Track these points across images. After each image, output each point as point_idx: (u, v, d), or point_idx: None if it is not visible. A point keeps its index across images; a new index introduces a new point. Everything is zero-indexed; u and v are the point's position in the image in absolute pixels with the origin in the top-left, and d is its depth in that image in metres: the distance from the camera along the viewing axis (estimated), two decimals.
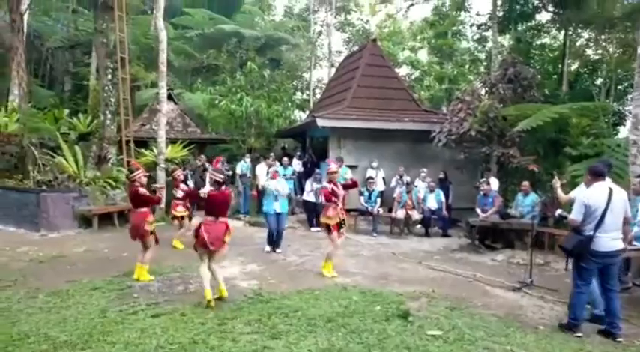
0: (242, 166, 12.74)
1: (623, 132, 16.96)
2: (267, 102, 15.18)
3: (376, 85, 13.47)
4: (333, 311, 4.91)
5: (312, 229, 10.50)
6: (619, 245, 4.54)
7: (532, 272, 6.45)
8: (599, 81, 20.82)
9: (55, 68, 21.99)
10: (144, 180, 6.25)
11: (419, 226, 10.90)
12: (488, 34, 21.75)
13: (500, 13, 17.86)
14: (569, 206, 5.07)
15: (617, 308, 4.56)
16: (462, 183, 11.81)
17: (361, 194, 10.79)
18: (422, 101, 20.37)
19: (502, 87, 11.27)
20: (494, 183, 10.23)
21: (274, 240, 8.17)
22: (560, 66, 20.22)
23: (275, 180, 8.19)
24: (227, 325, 4.45)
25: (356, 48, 22.54)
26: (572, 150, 10.63)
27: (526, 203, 9.04)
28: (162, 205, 9.29)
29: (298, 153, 14.65)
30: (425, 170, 11.52)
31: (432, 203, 10.77)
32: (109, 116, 11.92)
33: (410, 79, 27.99)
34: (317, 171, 11.36)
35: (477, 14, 24.59)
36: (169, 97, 14.62)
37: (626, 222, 4.69)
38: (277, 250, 8.10)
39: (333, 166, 6.89)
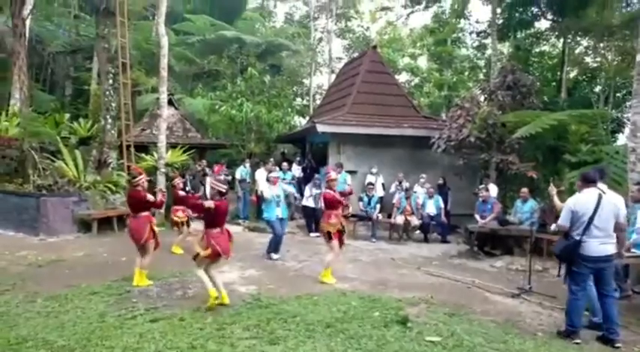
0: (242, 171, 12.75)
1: (622, 139, 17.02)
2: (268, 108, 15.23)
3: (376, 92, 13.52)
4: (331, 316, 4.90)
5: (312, 234, 10.50)
6: (610, 249, 4.56)
7: (531, 278, 6.46)
8: (597, 88, 20.92)
9: (56, 73, 22.05)
10: (146, 185, 6.28)
11: (418, 232, 10.90)
12: (488, 41, 21.90)
13: (500, 21, 17.96)
14: None
15: (615, 314, 4.57)
16: (461, 189, 11.83)
17: (360, 199, 10.81)
18: (421, 107, 20.45)
19: (501, 94, 11.31)
20: (493, 190, 10.26)
21: (276, 245, 8.15)
22: (559, 73, 20.33)
23: (275, 185, 8.20)
24: (226, 330, 4.44)
25: (356, 54, 22.66)
26: (571, 157, 10.67)
27: (525, 209, 9.06)
28: (162, 210, 9.29)
29: (298, 158, 14.68)
30: (424, 176, 11.55)
31: (430, 209, 10.79)
32: (110, 121, 11.94)
33: (409, 85, 28.13)
34: (316, 176, 11.39)
35: (477, 22, 24.79)
36: (170, 102, 14.65)
37: (620, 229, 4.70)
38: (275, 256, 8.06)
39: (333, 174, 6.92)
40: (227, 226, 5.43)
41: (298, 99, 27.68)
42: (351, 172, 11.74)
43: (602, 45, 19.04)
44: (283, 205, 8.23)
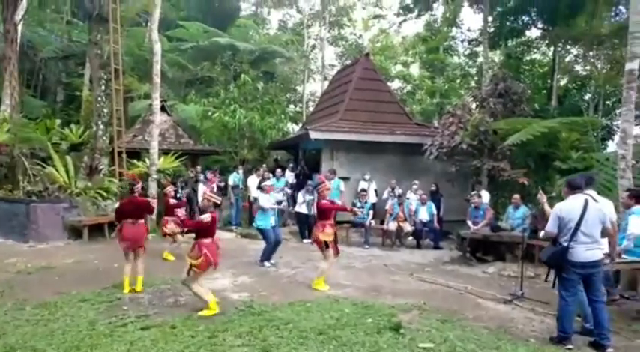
0: (234, 178, 12.71)
1: (612, 146, 17.20)
2: (261, 115, 15.24)
3: (369, 99, 13.58)
4: (324, 323, 4.88)
5: (305, 241, 10.47)
6: (598, 255, 4.60)
7: (523, 284, 6.48)
8: (587, 96, 21.14)
9: (48, 78, 21.93)
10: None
11: (410, 238, 10.91)
12: (479, 49, 22.12)
13: (491, 29, 18.15)
14: None
15: (605, 319, 4.59)
16: (453, 195, 11.88)
17: (354, 205, 10.80)
18: (414, 115, 20.58)
19: (493, 101, 11.41)
20: (485, 196, 10.31)
21: (270, 253, 8.11)
22: (549, 81, 20.56)
23: (268, 194, 8.20)
24: (218, 337, 4.41)
25: (349, 62, 22.77)
26: (561, 164, 10.78)
27: (517, 216, 9.11)
28: (154, 216, 9.23)
29: (291, 165, 14.68)
30: (417, 182, 11.59)
31: (423, 215, 10.81)
32: (102, 127, 11.89)
33: (402, 92, 28.30)
34: (309, 183, 11.38)
35: (468, 30, 25.06)
36: (162, 109, 14.60)
37: (608, 234, 4.75)
38: (267, 264, 8.01)
39: (328, 183, 6.99)
40: (219, 233, 5.44)
41: (291, 106, 27.75)
42: (344, 179, 11.75)
43: (591, 53, 19.28)
44: (275, 213, 8.24)
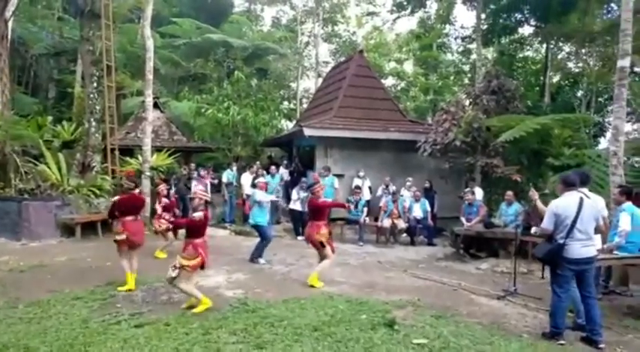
0: (228, 175, 12.68)
1: (604, 143, 17.36)
2: (254, 111, 15.19)
3: (362, 96, 13.59)
4: (319, 320, 4.88)
5: (299, 238, 10.46)
6: (592, 252, 4.64)
7: (516, 280, 6.52)
8: (580, 93, 21.30)
9: (39, 75, 21.72)
10: None
11: (404, 235, 10.96)
12: (473, 46, 22.22)
13: (484, 27, 18.25)
14: None
15: (597, 315, 4.63)
16: (447, 192, 11.93)
17: (348, 202, 10.81)
18: (407, 112, 20.62)
19: (486, 98, 11.46)
20: (478, 193, 10.36)
21: (262, 250, 8.10)
22: (542, 78, 20.71)
23: (263, 191, 8.19)
24: (212, 335, 4.40)
25: (343, 59, 22.75)
26: (554, 161, 10.84)
27: (510, 212, 9.16)
28: (147, 213, 9.20)
29: (285, 162, 14.67)
30: (410, 179, 11.63)
31: (417, 212, 10.85)
32: (94, 124, 11.79)
33: (396, 89, 28.38)
34: (303, 179, 11.38)
35: (462, 27, 25.18)
36: (155, 105, 14.53)
37: (600, 230, 4.79)
38: (261, 260, 7.98)
39: (322, 182, 7.02)
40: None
41: (285, 103, 27.70)
42: (338, 175, 11.76)
43: (583, 51, 19.42)
44: (270, 210, 8.29)
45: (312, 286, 6.42)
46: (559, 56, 21.66)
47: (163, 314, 4.99)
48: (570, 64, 22.04)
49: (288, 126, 22.11)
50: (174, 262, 5.14)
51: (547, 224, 4.70)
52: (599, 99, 20.88)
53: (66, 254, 8.14)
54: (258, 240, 8.18)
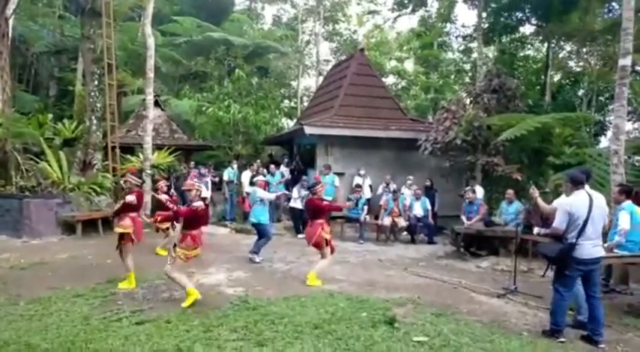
0: (229, 173, 12.69)
1: (604, 142, 17.35)
2: (255, 110, 15.19)
3: (363, 94, 13.57)
4: (319, 317, 4.90)
5: (299, 236, 10.47)
6: (600, 252, 4.62)
7: (516, 278, 6.52)
8: (581, 92, 21.27)
9: (40, 73, 21.75)
10: None
11: (405, 233, 10.97)
12: (474, 45, 22.21)
13: (485, 25, 18.22)
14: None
15: (601, 315, 4.62)
16: (448, 190, 11.92)
17: (348, 200, 10.80)
18: (408, 110, 20.59)
19: (487, 97, 11.45)
20: (479, 191, 10.36)
21: (261, 247, 8.10)
22: (543, 77, 20.68)
23: (265, 188, 8.23)
24: (213, 332, 4.41)
25: (344, 57, 22.74)
26: (555, 160, 10.84)
27: (510, 211, 9.17)
28: (148, 211, 9.20)
29: (286, 160, 14.68)
30: (411, 178, 11.63)
31: (417, 210, 10.85)
32: (95, 122, 11.80)
33: (396, 88, 28.36)
34: (304, 178, 11.38)
35: (463, 26, 25.22)
36: (156, 104, 14.54)
37: (603, 231, 4.79)
38: (258, 258, 7.95)
39: (323, 180, 7.05)
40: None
41: (286, 101, 27.71)
42: (338, 174, 11.76)
43: (585, 50, 19.38)
44: (271, 208, 8.31)
45: (310, 285, 6.43)
46: (560, 55, 21.63)
47: (164, 311, 5.01)
48: (571, 63, 22.02)
49: (288, 124, 22.13)
50: (171, 252, 5.19)
51: (560, 223, 4.58)
52: (600, 98, 20.86)
53: (67, 251, 8.15)
54: (257, 238, 8.17)
